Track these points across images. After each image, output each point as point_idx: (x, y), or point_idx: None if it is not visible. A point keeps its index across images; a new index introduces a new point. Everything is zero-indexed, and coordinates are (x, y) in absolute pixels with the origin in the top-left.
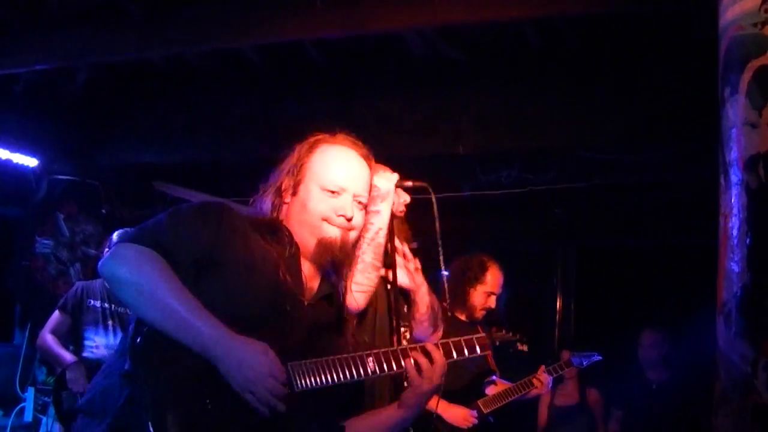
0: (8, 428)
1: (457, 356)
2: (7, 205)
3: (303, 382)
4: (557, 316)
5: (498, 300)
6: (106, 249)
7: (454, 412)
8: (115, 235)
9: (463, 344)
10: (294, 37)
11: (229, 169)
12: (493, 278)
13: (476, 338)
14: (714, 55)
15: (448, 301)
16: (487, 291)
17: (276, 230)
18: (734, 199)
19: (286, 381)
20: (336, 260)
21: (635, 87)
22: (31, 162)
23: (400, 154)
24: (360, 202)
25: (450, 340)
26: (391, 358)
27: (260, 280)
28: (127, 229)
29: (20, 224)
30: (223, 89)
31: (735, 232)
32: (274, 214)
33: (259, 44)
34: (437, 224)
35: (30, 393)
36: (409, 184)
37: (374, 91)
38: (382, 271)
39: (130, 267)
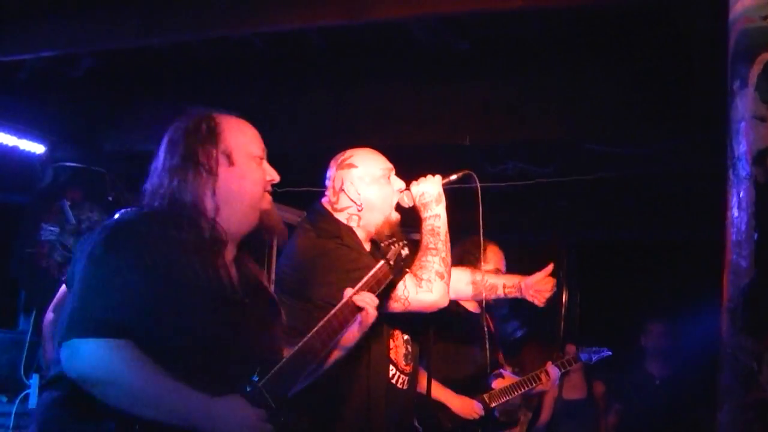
0: (12, 415)
1: None
2: (12, 191)
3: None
4: (563, 310)
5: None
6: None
7: (459, 403)
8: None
9: None
10: (297, 25)
11: None
12: (494, 255)
13: None
14: (719, 46)
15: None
16: (491, 270)
17: (184, 217)
18: (742, 194)
19: (267, 418)
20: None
21: (641, 79)
22: (37, 149)
23: (403, 143)
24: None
25: None
26: (336, 319)
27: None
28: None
29: (25, 211)
30: (227, 76)
31: (742, 227)
32: (186, 197)
33: (262, 32)
34: (480, 211)
35: (35, 379)
36: (454, 177)
37: (377, 80)
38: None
39: (106, 370)
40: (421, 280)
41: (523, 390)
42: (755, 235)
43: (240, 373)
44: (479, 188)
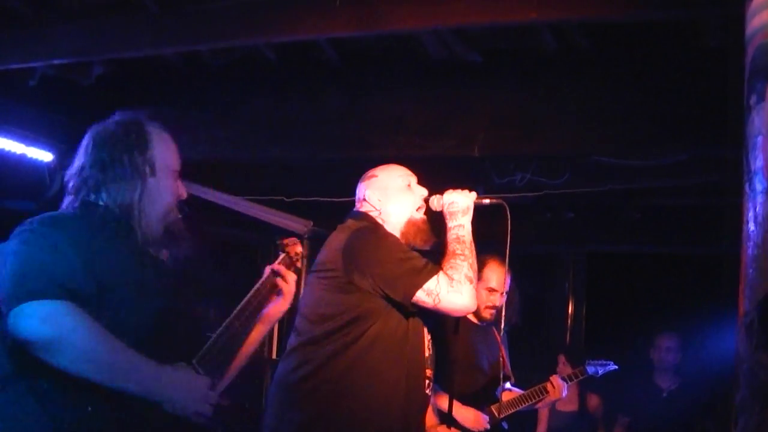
0: None
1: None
2: (21, 199)
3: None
4: (568, 321)
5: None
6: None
7: (465, 414)
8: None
9: None
10: (310, 35)
11: (242, 166)
12: (491, 273)
13: None
14: (728, 62)
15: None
16: (487, 287)
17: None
18: (759, 208)
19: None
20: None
21: (651, 92)
22: (46, 156)
23: (413, 155)
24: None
25: None
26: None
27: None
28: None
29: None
30: (237, 86)
31: (759, 241)
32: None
33: (274, 41)
34: (509, 240)
35: None
36: (487, 201)
37: (388, 91)
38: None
39: (57, 327)
40: (452, 280)
41: (530, 402)
42: None
43: (167, 358)
44: (509, 220)
